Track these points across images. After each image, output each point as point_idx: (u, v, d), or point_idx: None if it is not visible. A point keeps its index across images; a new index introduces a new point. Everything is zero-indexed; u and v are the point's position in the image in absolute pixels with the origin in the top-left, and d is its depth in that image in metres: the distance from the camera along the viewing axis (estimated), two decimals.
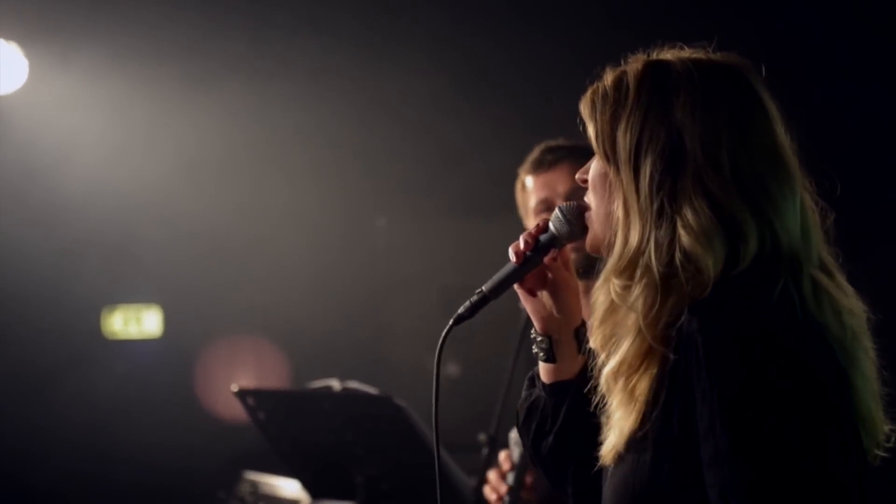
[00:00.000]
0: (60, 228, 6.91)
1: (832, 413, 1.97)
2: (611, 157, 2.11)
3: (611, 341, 2.10)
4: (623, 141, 2.09)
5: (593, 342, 2.14)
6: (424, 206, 7.15)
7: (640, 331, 2.03)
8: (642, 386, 2.03)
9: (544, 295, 2.28)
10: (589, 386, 2.15)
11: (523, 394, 2.39)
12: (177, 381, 7.12)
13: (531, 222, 3.67)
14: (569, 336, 2.30)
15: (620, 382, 2.06)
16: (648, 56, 2.18)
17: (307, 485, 4.58)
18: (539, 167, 3.66)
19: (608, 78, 2.16)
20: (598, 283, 2.12)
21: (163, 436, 6.88)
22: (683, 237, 2.02)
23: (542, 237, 2.25)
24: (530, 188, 3.67)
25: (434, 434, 2.24)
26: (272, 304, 7.09)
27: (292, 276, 7.10)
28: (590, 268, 2.47)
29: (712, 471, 1.95)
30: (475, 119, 6.71)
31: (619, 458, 2.07)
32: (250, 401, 4.39)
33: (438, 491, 2.34)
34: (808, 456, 1.92)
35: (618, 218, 2.09)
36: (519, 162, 3.74)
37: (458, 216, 7.10)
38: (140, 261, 7.13)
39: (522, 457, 3.64)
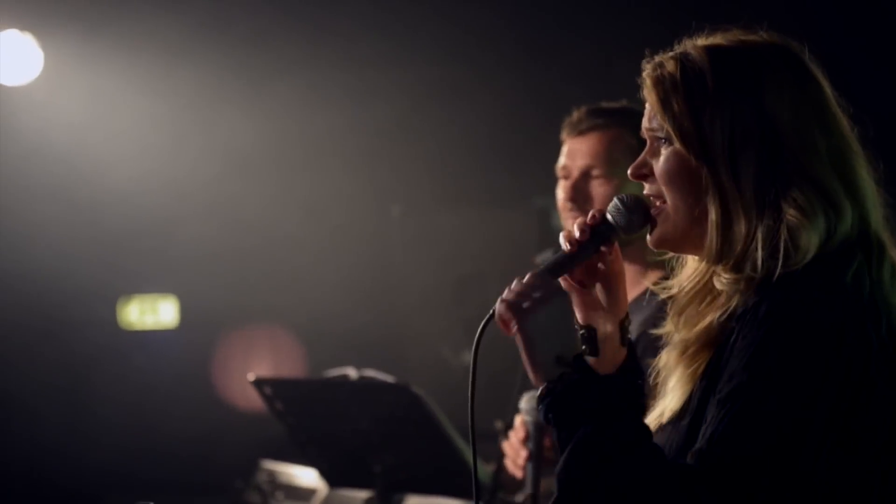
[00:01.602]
0: (73, 218, 6.93)
1: (863, 404, 1.97)
2: (700, 152, 2.07)
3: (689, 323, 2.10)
4: (714, 135, 2.05)
5: (674, 325, 2.14)
6: (440, 195, 7.14)
7: (720, 314, 2.04)
8: (703, 366, 2.05)
9: (597, 287, 2.19)
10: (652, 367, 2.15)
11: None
12: (193, 371, 7.13)
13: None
14: (614, 327, 2.20)
15: (685, 360, 2.06)
16: (695, 39, 2.14)
17: (324, 474, 4.58)
18: (571, 131, 3.57)
19: (669, 65, 2.11)
20: (693, 271, 2.13)
21: (179, 426, 6.90)
22: (791, 218, 2.01)
23: (599, 227, 2.16)
24: (562, 150, 3.61)
25: (471, 429, 2.18)
26: (288, 292, 7.10)
27: (308, 266, 7.11)
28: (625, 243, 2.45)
29: (721, 391, 1.96)
30: (494, 109, 6.70)
31: (661, 427, 2.08)
32: (267, 390, 4.39)
33: (474, 478, 2.31)
34: (803, 423, 1.93)
35: (712, 213, 2.06)
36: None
37: (475, 206, 7.10)
38: (155, 250, 7.15)
39: (537, 424, 3.60)
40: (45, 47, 6.56)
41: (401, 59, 6.87)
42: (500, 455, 4.05)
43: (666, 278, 2.26)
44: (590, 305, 2.19)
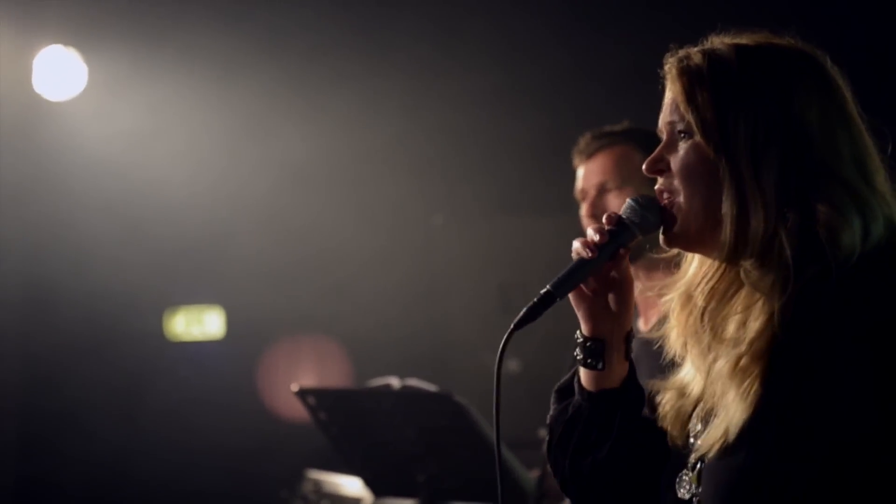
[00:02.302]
0: (119, 231, 6.97)
1: None
2: (721, 146, 2.03)
3: (722, 331, 2.03)
4: (737, 130, 2.02)
5: (697, 324, 2.07)
6: (482, 204, 7.14)
7: (770, 318, 1.97)
8: (761, 377, 1.96)
9: (610, 295, 2.14)
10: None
11: (553, 408, 2.25)
12: (240, 382, 7.16)
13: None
14: (620, 340, 2.16)
15: (740, 374, 1.97)
16: (722, 37, 2.12)
17: (369, 483, 4.58)
18: (580, 156, 3.72)
19: (695, 58, 2.08)
20: (708, 268, 2.07)
21: (226, 436, 6.92)
22: (826, 218, 1.98)
23: (615, 229, 2.11)
24: (577, 176, 3.73)
25: (496, 441, 2.13)
26: (331, 303, 7.11)
27: (352, 276, 7.12)
28: (637, 256, 2.43)
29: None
30: (534, 117, 6.70)
31: (727, 450, 1.98)
32: (311, 400, 4.41)
33: (499, 490, 2.26)
34: None
35: (728, 207, 2.02)
36: None
37: (517, 214, 7.09)
38: (201, 262, 7.18)
39: None
40: (89, 62, 6.61)
41: (445, 70, 6.88)
42: (545, 462, 4.05)
43: None
44: (599, 316, 2.15)
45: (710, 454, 2.00)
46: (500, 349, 2.08)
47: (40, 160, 6.83)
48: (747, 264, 2.01)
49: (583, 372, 2.18)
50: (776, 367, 1.96)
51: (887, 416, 1.90)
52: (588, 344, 2.15)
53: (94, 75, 6.64)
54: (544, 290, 2.07)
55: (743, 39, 2.10)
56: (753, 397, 1.96)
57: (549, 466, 3.92)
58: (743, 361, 1.98)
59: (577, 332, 2.17)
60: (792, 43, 2.10)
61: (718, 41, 2.11)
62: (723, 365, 2.01)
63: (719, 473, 2.01)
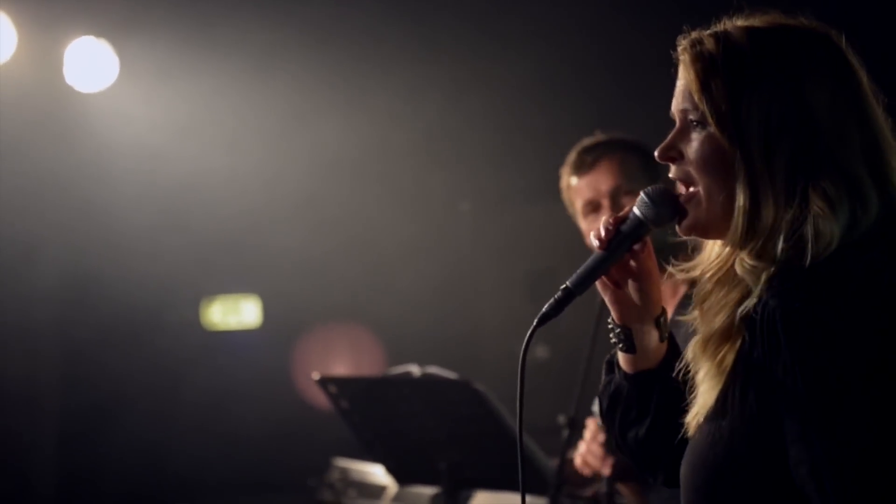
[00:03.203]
0: (156, 221, 7.01)
1: None
2: (734, 134, 2.00)
3: (712, 311, 2.06)
4: (750, 119, 2.00)
5: (699, 312, 2.09)
6: (508, 191, 7.12)
7: (737, 303, 1.99)
8: (730, 358, 1.99)
9: (630, 285, 2.16)
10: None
11: (603, 378, 2.30)
12: (276, 370, 7.19)
13: (582, 223, 3.69)
14: (649, 325, 2.19)
15: (709, 352, 2.01)
16: (734, 19, 2.10)
17: (391, 471, 4.58)
18: (580, 169, 3.67)
19: (708, 43, 2.05)
20: (717, 256, 2.08)
21: (260, 424, 6.96)
22: (818, 209, 1.96)
23: (628, 224, 2.13)
24: (575, 190, 3.70)
25: (518, 432, 2.16)
26: (365, 291, 7.13)
27: (384, 265, 7.13)
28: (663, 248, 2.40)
29: (799, 446, 1.90)
30: (561, 105, 6.67)
31: (699, 427, 2.03)
32: (332, 388, 4.41)
33: (521, 480, 2.29)
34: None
35: (741, 198, 2.00)
36: None
37: (543, 201, 7.07)
38: (238, 251, 7.21)
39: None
40: (121, 53, 6.63)
41: (475, 62, 6.87)
42: (564, 449, 4.04)
43: None
44: (624, 304, 2.18)
45: (689, 434, 2.07)
46: (524, 346, 2.12)
47: (73, 152, 6.87)
48: (746, 254, 2.01)
49: (619, 354, 2.23)
50: (740, 351, 1.99)
51: (827, 415, 1.89)
52: (617, 330, 2.20)
53: (125, 67, 6.66)
54: (563, 286, 2.11)
55: (755, 22, 2.07)
56: (720, 378, 2.00)
57: (568, 453, 3.95)
58: (710, 344, 2.02)
59: (610, 317, 2.22)
60: (805, 23, 2.07)
61: (730, 24, 2.08)
62: (694, 345, 2.06)
63: (690, 448, 2.06)
